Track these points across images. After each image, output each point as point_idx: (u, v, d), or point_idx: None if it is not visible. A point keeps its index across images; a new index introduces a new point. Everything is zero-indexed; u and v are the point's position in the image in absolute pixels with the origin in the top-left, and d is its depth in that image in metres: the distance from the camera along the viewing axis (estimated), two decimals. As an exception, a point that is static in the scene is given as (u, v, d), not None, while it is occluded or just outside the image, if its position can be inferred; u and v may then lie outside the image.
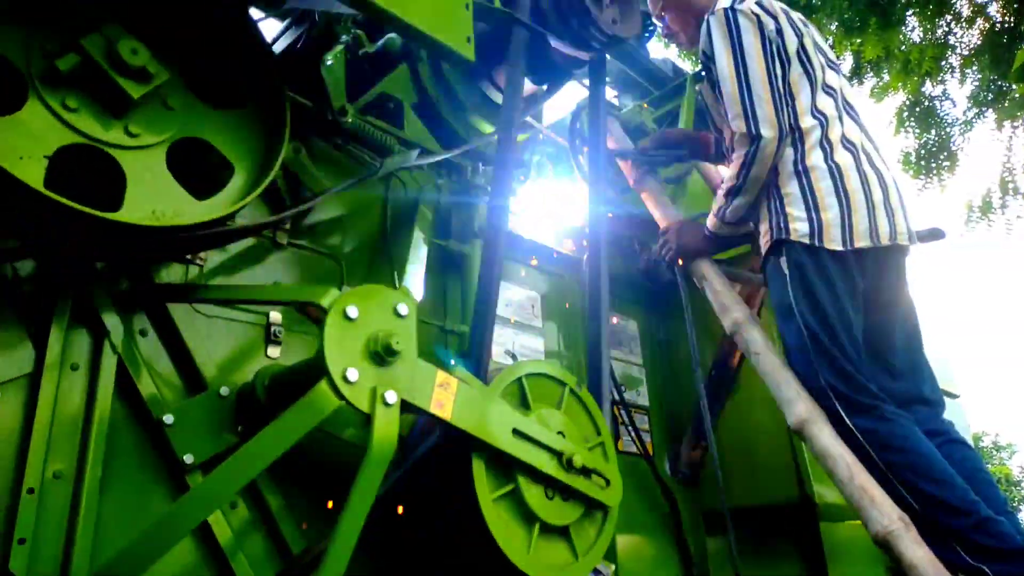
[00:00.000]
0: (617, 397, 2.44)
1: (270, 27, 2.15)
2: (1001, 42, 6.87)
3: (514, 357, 2.24)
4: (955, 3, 7.06)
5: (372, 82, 2.18)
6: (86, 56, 1.29)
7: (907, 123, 7.55)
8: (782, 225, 1.87)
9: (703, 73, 2.11)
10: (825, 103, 1.94)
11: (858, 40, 7.03)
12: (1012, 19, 6.80)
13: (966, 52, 7.23)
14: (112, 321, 1.43)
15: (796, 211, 1.86)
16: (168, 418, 1.41)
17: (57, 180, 1.39)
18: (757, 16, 1.91)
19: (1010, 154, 6.94)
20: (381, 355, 1.26)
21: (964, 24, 7.21)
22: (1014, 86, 6.56)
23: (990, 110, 7.10)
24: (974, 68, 7.12)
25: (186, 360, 1.53)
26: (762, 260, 1.97)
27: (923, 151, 7.50)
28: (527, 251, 2.50)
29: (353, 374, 1.22)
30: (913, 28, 7.25)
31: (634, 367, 2.72)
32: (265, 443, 1.19)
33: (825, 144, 1.89)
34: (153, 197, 1.34)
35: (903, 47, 7.21)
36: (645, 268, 2.76)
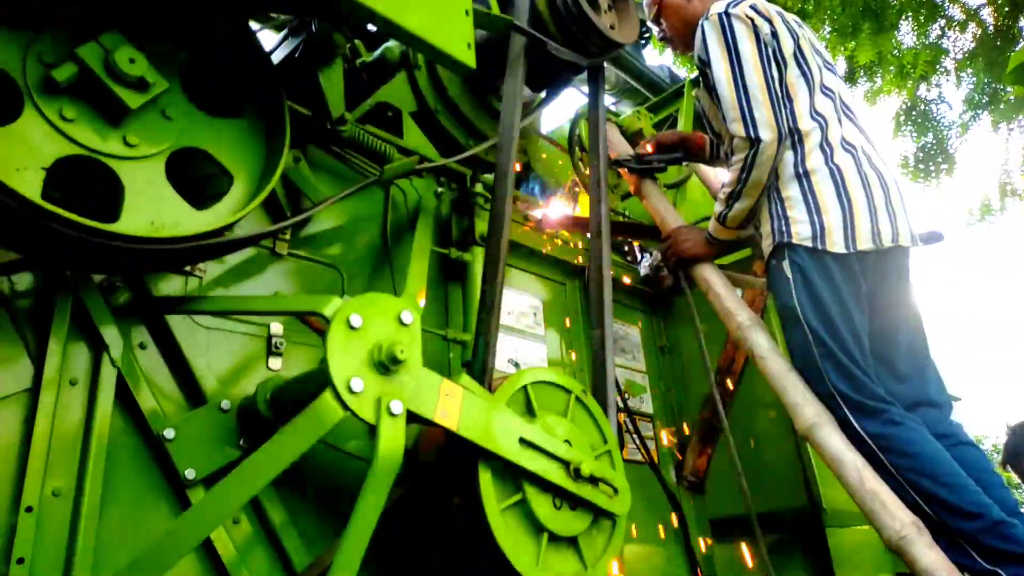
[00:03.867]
0: (621, 404, 2.42)
1: (268, 38, 2.15)
2: (994, 45, 6.91)
3: (517, 365, 2.22)
4: (947, 8, 7.10)
5: (370, 91, 2.18)
6: (83, 66, 1.28)
7: (904, 126, 7.58)
8: (784, 228, 1.86)
9: (699, 78, 2.10)
10: (824, 105, 1.93)
11: (851, 44, 7.06)
12: (1005, 22, 6.84)
13: (960, 56, 7.27)
14: (111, 335, 1.41)
15: (798, 214, 1.85)
16: (169, 432, 1.39)
17: (55, 191, 1.37)
18: (751, 19, 1.90)
19: (1007, 156, 6.97)
20: (386, 364, 1.23)
21: (957, 28, 7.25)
22: (1009, 88, 6.59)
23: (985, 112, 7.13)
24: (968, 71, 7.16)
25: (186, 373, 1.51)
26: (765, 264, 1.95)
27: (921, 154, 7.53)
28: (529, 258, 2.49)
29: (358, 384, 1.20)
30: (906, 33, 7.29)
31: (637, 374, 2.70)
32: (268, 457, 1.17)
33: (825, 146, 1.88)
34: (152, 208, 1.33)
35: (896, 52, 7.25)
36: (647, 274, 2.75)
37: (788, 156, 1.89)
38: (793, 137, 1.88)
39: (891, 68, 7.19)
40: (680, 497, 2.51)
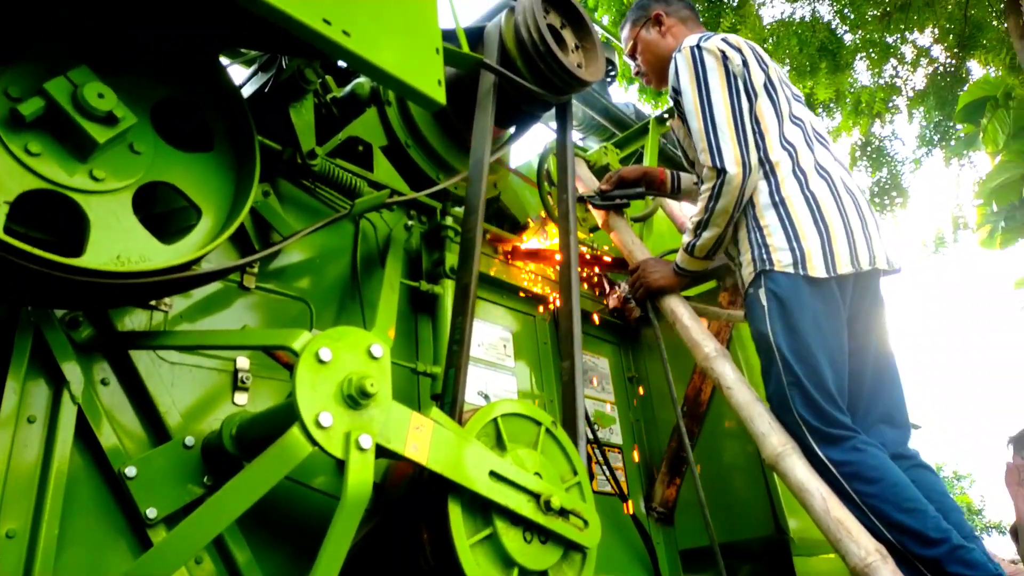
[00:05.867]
0: (591, 436, 2.43)
1: (237, 73, 2.16)
2: (944, 84, 7.22)
3: (487, 397, 2.22)
4: (900, 48, 7.41)
5: (341, 126, 2.19)
6: (51, 100, 1.27)
7: (859, 162, 7.85)
8: (765, 256, 1.89)
9: (674, 108, 2.16)
10: (793, 133, 2.00)
11: (810, 83, 7.33)
12: (953, 62, 7.16)
13: (911, 94, 7.58)
14: (72, 370, 1.38)
15: (777, 241, 1.88)
16: (130, 470, 1.35)
17: (19, 226, 1.35)
18: (723, 52, 1.97)
19: (959, 190, 7.25)
20: (355, 398, 1.23)
21: (909, 67, 7.57)
22: (959, 126, 6.87)
23: (937, 148, 7.42)
24: (920, 110, 7.46)
25: (149, 409, 1.48)
26: (743, 292, 1.98)
27: (876, 188, 7.79)
28: (499, 290, 2.50)
29: (326, 418, 1.19)
30: (862, 72, 7.59)
31: (606, 405, 2.72)
32: (234, 494, 1.15)
33: (799, 173, 1.93)
34: (117, 242, 1.31)
35: (852, 89, 7.53)
36: (615, 306, 2.78)
37: (762, 185, 1.94)
38: (765, 167, 1.94)
39: (847, 106, 7.46)
40: (649, 528, 2.51)
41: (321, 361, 1.22)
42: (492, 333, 2.39)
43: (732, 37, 2.04)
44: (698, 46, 1.99)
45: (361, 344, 1.30)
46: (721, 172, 1.88)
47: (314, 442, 1.17)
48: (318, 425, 1.17)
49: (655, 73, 2.34)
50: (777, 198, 1.91)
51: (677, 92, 2.05)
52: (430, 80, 1.61)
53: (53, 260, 1.16)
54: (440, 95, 1.62)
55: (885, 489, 1.69)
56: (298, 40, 1.36)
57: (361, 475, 1.20)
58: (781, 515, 2.38)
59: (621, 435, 2.68)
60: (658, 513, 2.56)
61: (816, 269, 1.83)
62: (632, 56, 2.39)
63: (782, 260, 1.86)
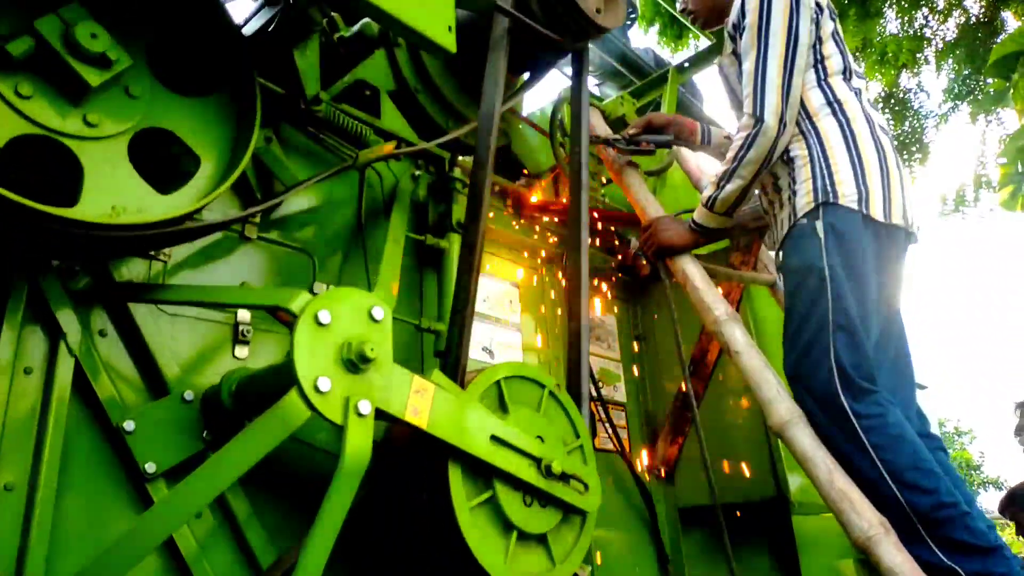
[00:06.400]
0: (595, 394, 2.42)
1: (240, 9, 2.06)
2: (976, 36, 6.93)
3: (491, 353, 2.20)
4: (932, -5, 7.10)
5: (348, 67, 2.10)
6: (41, 40, 1.21)
7: (882, 114, 7.62)
8: (829, 188, 1.81)
9: (731, 43, 2.06)
10: (858, 83, 1.98)
11: (837, 30, 7.06)
12: (988, 12, 6.86)
13: (941, 45, 7.29)
14: (69, 321, 1.35)
15: (844, 176, 1.82)
16: (128, 424, 1.34)
17: (9, 171, 1.31)
18: None
19: (984, 148, 7.03)
20: (354, 362, 1.20)
21: (940, 16, 7.26)
22: (989, 80, 6.62)
23: (964, 103, 7.17)
24: (949, 61, 7.19)
25: (148, 362, 1.45)
26: (792, 222, 1.89)
27: (895, 143, 7.59)
28: (507, 244, 2.45)
29: (325, 383, 1.16)
30: (891, 20, 7.29)
31: (611, 363, 2.70)
32: (232, 456, 1.13)
33: (867, 120, 1.90)
34: (113, 191, 1.27)
35: (880, 38, 7.25)
36: (624, 262, 2.73)
37: (830, 120, 1.89)
38: (833, 105, 1.90)
39: (874, 55, 7.19)
40: (650, 486, 2.52)
41: (320, 324, 1.19)
42: (498, 288, 2.35)
43: None
44: None
45: (362, 306, 1.26)
46: (759, 121, 1.83)
47: (312, 407, 1.14)
48: (316, 390, 1.15)
49: (706, 11, 2.24)
50: (848, 131, 1.86)
51: (737, 28, 1.96)
52: (440, 25, 1.53)
53: (45, 212, 1.12)
54: (450, 42, 1.54)
55: (903, 447, 1.65)
56: (301, -19, 1.28)
57: (360, 440, 1.18)
58: (783, 477, 2.38)
59: (625, 393, 2.67)
60: (659, 471, 2.57)
61: (876, 211, 1.78)
62: None
63: (847, 194, 1.79)
